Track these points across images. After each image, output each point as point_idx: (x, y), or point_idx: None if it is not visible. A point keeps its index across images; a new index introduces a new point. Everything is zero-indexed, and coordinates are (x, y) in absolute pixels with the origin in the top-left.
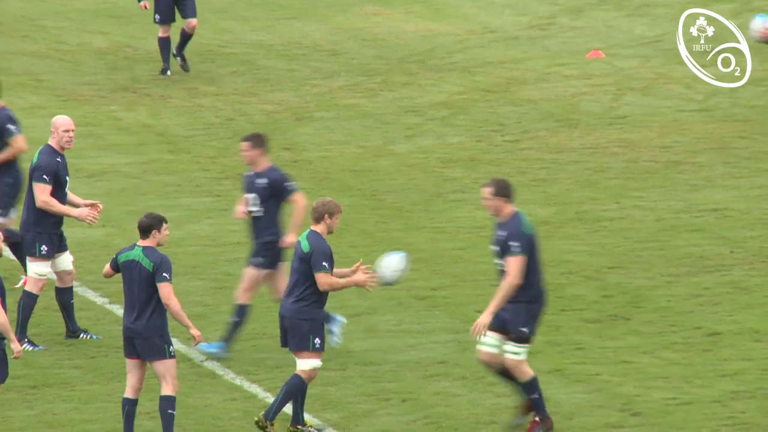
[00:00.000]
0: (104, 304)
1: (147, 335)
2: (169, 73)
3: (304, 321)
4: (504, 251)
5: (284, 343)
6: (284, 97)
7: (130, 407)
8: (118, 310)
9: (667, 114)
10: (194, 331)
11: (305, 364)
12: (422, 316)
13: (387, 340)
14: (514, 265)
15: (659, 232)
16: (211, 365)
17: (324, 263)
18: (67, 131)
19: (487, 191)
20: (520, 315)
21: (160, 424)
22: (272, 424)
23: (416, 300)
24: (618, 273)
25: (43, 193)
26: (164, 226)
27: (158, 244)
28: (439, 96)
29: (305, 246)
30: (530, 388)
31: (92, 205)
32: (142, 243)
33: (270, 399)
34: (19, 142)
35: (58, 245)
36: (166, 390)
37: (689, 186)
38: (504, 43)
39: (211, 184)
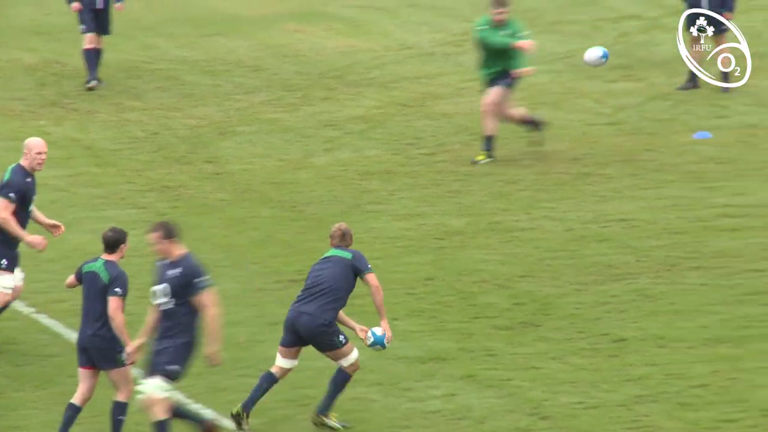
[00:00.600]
0: (30, 314)
1: (99, 345)
2: (93, 83)
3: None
4: (185, 288)
5: (294, 343)
6: (208, 112)
7: (72, 413)
8: (45, 320)
9: (577, 127)
10: (129, 349)
11: (345, 360)
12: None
13: (306, 348)
14: (212, 296)
15: (568, 242)
16: (136, 372)
17: (367, 264)
18: (39, 153)
19: (155, 236)
20: (177, 352)
21: (86, 430)
22: (326, 416)
23: None
24: (529, 281)
25: (5, 210)
26: (127, 240)
27: (120, 258)
28: (357, 110)
29: (347, 253)
30: (162, 428)
31: (55, 226)
32: (106, 257)
33: (194, 405)
34: None
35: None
36: (119, 396)
37: (598, 197)
38: (420, 59)
39: (136, 197)
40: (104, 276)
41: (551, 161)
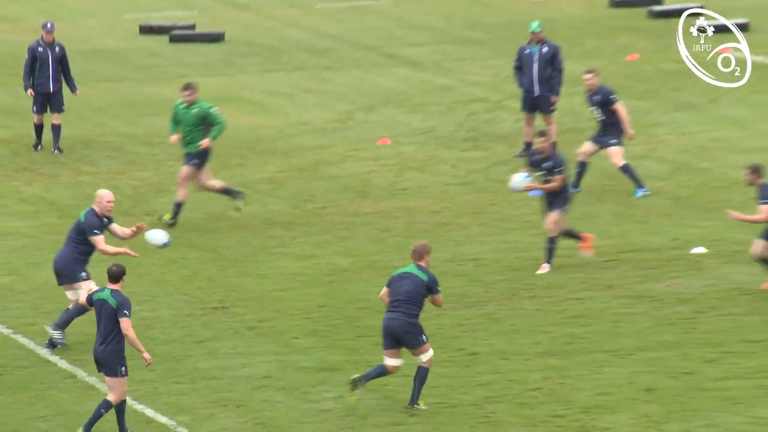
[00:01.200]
0: (8, 334)
1: (106, 358)
2: (39, 147)
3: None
4: None
5: (392, 345)
6: (147, 175)
7: (119, 406)
8: (20, 339)
9: (438, 187)
10: (146, 355)
11: (425, 356)
12: (252, 342)
13: (225, 360)
14: None
15: None
16: (91, 380)
17: (438, 287)
18: (109, 202)
19: None
20: None
21: (51, 425)
22: (418, 405)
23: (247, 329)
24: None
25: (102, 244)
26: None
27: (122, 287)
28: (264, 174)
29: (423, 275)
30: None
31: (139, 229)
32: (111, 286)
33: (137, 406)
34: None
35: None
36: (109, 396)
37: (454, 241)
38: (313, 133)
39: None
40: (112, 302)
41: (417, 213)
